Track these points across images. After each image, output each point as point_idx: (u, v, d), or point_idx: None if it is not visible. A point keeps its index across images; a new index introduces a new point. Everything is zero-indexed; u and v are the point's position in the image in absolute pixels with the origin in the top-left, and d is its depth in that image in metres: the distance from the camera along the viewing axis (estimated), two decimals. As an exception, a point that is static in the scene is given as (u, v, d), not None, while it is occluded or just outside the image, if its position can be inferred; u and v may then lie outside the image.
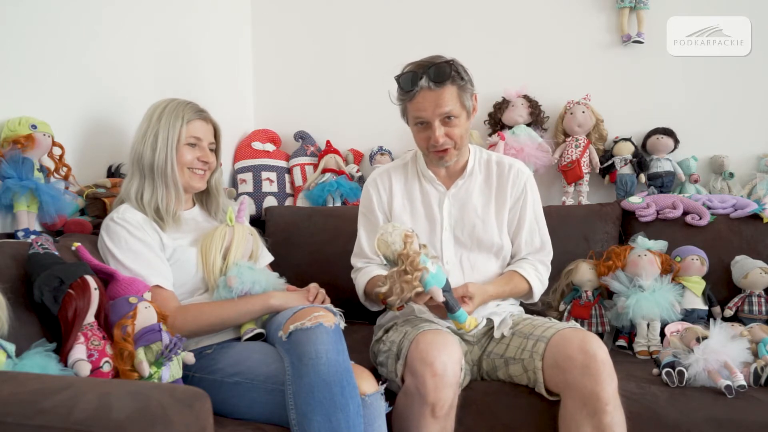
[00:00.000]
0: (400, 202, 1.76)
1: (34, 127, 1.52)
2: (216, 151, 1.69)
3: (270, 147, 2.64)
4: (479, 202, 1.74)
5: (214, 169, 1.70)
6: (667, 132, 2.47)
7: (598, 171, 2.52)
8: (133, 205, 1.57)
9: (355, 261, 1.81)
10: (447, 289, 1.44)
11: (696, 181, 2.44)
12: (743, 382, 1.54)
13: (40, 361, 1.13)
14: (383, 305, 1.69)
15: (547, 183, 2.58)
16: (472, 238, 1.72)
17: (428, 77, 1.57)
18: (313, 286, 1.62)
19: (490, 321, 1.68)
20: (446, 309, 1.46)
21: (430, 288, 1.40)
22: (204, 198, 1.74)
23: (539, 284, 1.75)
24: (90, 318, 1.26)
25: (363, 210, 1.82)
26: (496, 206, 1.74)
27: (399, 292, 1.39)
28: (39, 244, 1.33)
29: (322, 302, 1.57)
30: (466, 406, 1.53)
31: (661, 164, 2.44)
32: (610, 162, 2.49)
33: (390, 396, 1.49)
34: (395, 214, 1.75)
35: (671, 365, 1.62)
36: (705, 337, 1.63)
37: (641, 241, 2.06)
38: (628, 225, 2.28)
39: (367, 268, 1.75)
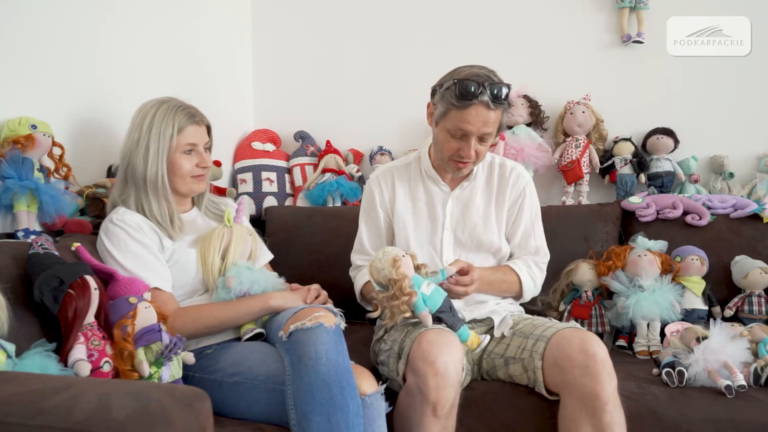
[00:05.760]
0: (402, 202, 1.77)
1: (34, 127, 1.52)
2: (209, 147, 1.65)
3: (270, 147, 2.64)
4: (481, 203, 1.76)
5: None
6: (667, 132, 2.47)
7: (598, 171, 2.52)
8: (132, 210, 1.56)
9: (354, 258, 1.82)
10: (445, 309, 1.46)
11: (696, 181, 2.44)
12: (743, 382, 1.54)
13: (40, 361, 1.13)
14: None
15: (547, 183, 2.58)
16: (472, 238, 1.73)
17: (490, 95, 1.54)
18: (315, 288, 1.61)
19: (490, 320, 1.68)
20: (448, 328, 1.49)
21: (419, 313, 1.43)
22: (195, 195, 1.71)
23: (530, 281, 1.74)
24: (90, 318, 1.26)
25: (365, 206, 1.82)
26: (496, 207, 1.76)
27: (390, 316, 1.45)
28: (39, 244, 1.33)
29: (324, 304, 1.57)
30: (466, 406, 1.53)
31: (661, 164, 2.45)
32: (610, 162, 2.49)
33: (391, 395, 1.49)
34: (397, 213, 1.76)
35: (671, 365, 1.62)
36: (705, 337, 1.63)
37: (641, 241, 2.06)
38: (628, 225, 2.28)
39: (365, 268, 1.75)
